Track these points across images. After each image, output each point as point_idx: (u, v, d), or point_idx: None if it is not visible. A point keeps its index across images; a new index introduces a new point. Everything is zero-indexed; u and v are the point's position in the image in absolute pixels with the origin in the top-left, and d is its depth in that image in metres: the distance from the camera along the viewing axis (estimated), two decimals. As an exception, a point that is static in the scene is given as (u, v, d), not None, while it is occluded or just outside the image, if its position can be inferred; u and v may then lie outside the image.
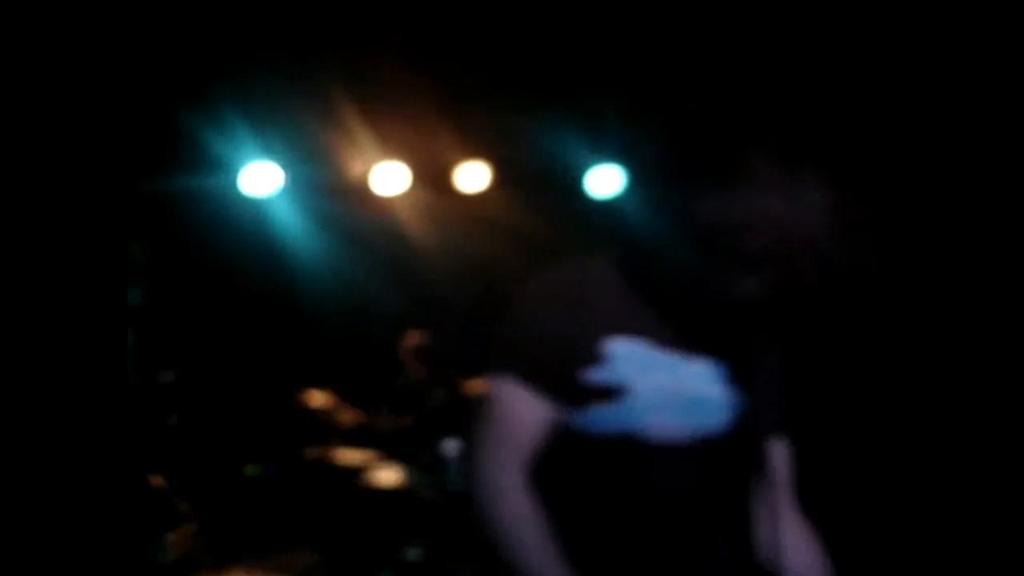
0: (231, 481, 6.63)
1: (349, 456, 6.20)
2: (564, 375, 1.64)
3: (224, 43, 5.41)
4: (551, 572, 1.54)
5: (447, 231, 7.38)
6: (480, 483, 1.64)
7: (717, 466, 1.78)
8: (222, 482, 6.61)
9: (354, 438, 6.50)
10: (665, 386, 1.67)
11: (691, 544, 1.74)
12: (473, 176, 6.94)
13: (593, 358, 1.63)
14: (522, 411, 1.64)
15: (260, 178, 6.50)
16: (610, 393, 1.62)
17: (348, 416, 6.31)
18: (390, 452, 6.18)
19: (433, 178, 7.06)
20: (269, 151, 6.49)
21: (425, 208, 7.31)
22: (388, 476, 5.56)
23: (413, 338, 6.42)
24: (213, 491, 6.37)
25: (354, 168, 6.87)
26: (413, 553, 5.37)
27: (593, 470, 1.67)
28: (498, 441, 1.65)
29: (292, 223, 7.07)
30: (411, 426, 6.28)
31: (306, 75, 5.75)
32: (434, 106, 6.06)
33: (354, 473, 5.91)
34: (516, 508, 1.59)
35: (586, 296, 1.74)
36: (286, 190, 6.74)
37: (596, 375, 1.63)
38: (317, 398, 6.08)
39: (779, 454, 1.97)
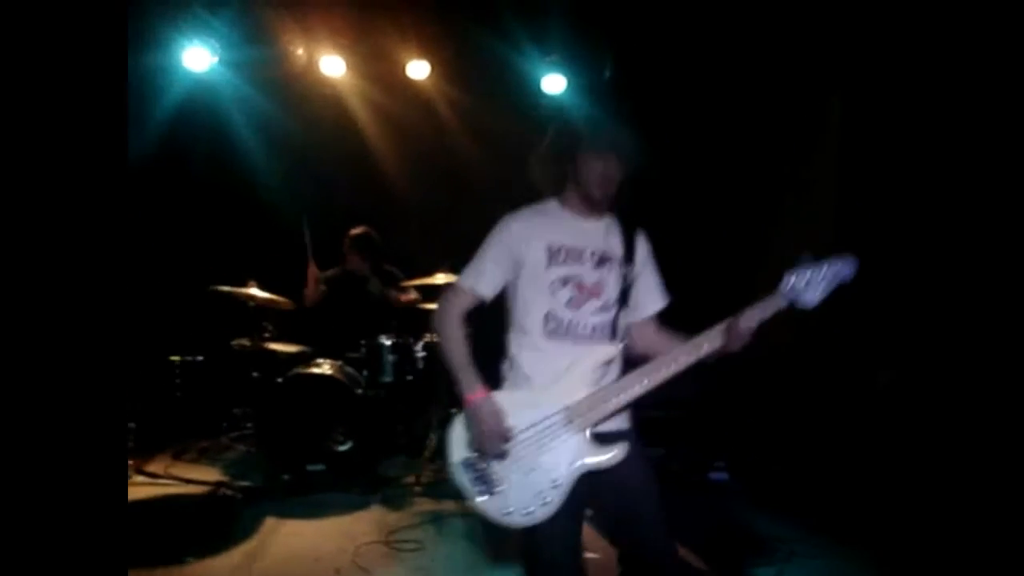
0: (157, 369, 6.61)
1: (281, 348, 6.26)
2: None
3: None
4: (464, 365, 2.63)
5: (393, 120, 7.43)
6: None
7: None
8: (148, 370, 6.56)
9: (287, 330, 6.53)
10: None
11: None
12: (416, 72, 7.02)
13: None
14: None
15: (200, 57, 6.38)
16: None
17: (283, 307, 6.30)
18: (323, 346, 6.24)
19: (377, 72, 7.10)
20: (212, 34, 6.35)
21: (370, 97, 7.33)
22: (320, 368, 5.62)
23: (355, 231, 6.39)
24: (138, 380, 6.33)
25: (296, 54, 6.76)
26: (344, 445, 5.51)
27: None
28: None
29: (232, 100, 7.00)
30: (346, 322, 6.31)
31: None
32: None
33: (285, 364, 5.98)
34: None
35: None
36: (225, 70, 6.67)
37: None
38: (251, 288, 6.02)
39: None
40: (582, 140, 2.65)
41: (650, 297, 2.87)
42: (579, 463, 2.55)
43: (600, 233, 2.75)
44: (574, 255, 2.67)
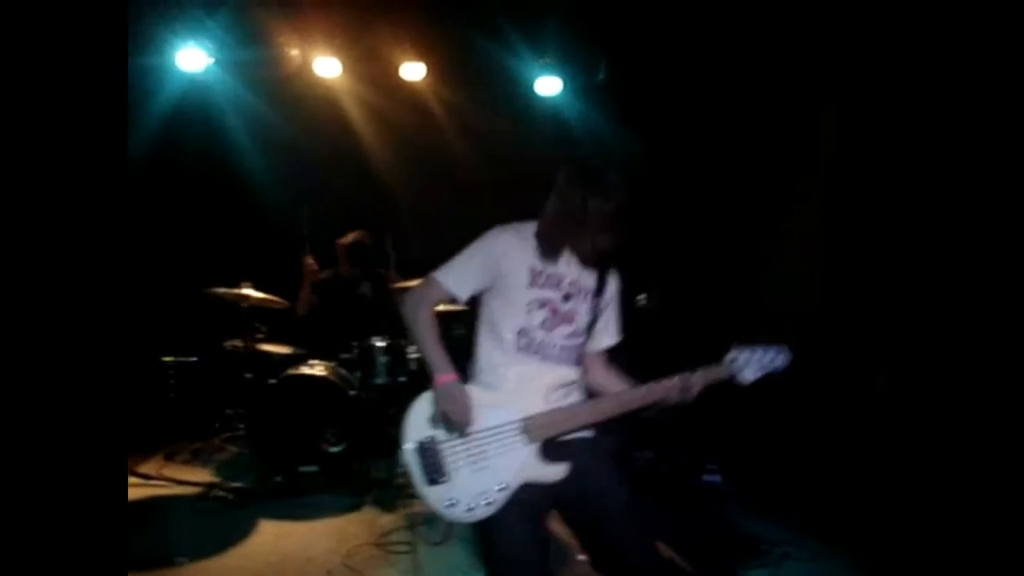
0: (150, 370, 6.58)
1: (274, 349, 6.24)
2: None
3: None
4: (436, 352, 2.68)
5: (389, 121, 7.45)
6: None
7: None
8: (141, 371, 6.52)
9: (280, 331, 6.51)
10: None
11: None
12: (411, 74, 7.02)
13: None
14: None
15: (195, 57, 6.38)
16: None
17: (277, 307, 6.27)
18: (316, 347, 6.23)
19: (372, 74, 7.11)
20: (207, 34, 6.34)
21: (365, 98, 7.34)
22: (312, 370, 5.60)
23: (348, 236, 6.40)
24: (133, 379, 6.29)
25: (291, 55, 6.76)
26: (336, 446, 5.50)
27: None
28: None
29: (227, 102, 7.00)
30: (338, 322, 6.30)
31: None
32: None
33: (278, 366, 5.95)
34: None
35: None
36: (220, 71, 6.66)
37: None
38: (245, 289, 5.98)
39: None
40: (590, 205, 2.66)
41: (607, 332, 2.97)
42: (525, 474, 2.64)
43: (578, 265, 2.81)
44: (553, 281, 2.76)
